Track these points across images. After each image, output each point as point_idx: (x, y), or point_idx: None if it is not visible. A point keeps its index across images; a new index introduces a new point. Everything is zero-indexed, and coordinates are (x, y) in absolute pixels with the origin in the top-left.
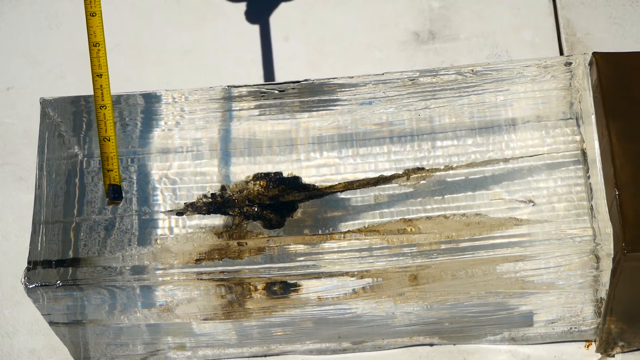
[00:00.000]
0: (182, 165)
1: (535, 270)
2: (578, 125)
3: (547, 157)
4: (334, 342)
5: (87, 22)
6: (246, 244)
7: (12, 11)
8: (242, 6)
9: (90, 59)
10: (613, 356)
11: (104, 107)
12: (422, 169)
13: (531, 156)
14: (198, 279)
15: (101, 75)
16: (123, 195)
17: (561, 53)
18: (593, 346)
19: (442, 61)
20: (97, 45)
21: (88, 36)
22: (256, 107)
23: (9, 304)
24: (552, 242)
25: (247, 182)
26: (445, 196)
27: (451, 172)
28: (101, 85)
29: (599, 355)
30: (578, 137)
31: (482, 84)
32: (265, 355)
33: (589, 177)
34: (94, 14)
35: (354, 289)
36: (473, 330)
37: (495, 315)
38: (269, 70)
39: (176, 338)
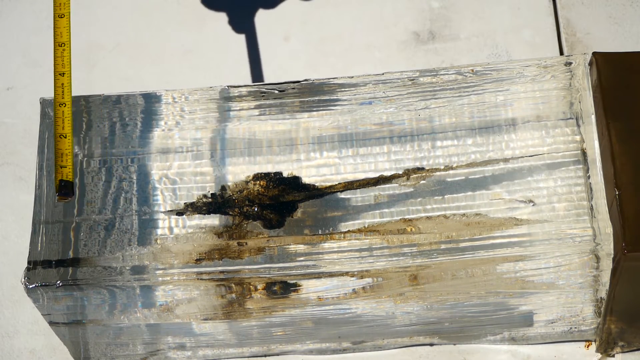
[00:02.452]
0: (182, 165)
1: (535, 270)
2: (578, 125)
3: (547, 157)
4: (334, 342)
5: (54, 23)
6: (246, 244)
7: (12, 11)
8: (242, 6)
9: (54, 58)
10: (613, 356)
11: (64, 105)
12: (422, 169)
13: (531, 156)
14: (198, 279)
15: (64, 74)
16: (74, 191)
17: (561, 53)
18: (593, 346)
19: (442, 61)
20: (63, 45)
21: (54, 36)
22: (256, 107)
23: (9, 304)
24: (552, 242)
25: (247, 182)
26: (445, 196)
27: (451, 172)
28: (62, 84)
29: (599, 355)
30: (578, 137)
31: (482, 84)
32: (265, 355)
33: (589, 177)
34: (63, 16)
35: (354, 289)
36: (473, 330)
37: (495, 315)
38: (269, 70)
39: (176, 338)
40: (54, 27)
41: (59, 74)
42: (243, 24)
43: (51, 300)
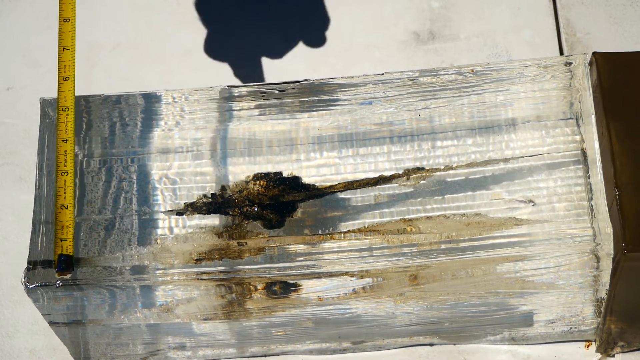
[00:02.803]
0: (182, 165)
1: (535, 270)
2: (578, 125)
3: (547, 157)
4: (334, 342)
5: (59, 87)
6: (246, 244)
7: (12, 11)
8: (243, 6)
9: (57, 124)
10: (613, 356)
11: (66, 174)
12: (422, 169)
13: (531, 156)
14: (198, 279)
15: (67, 140)
16: (74, 266)
17: (561, 53)
18: (593, 346)
19: (442, 61)
20: (67, 109)
21: (58, 100)
22: (256, 107)
23: (9, 304)
24: (552, 242)
25: (247, 182)
26: (445, 196)
27: (451, 172)
28: (65, 151)
29: (599, 355)
30: (578, 137)
31: (482, 84)
32: (265, 355)
33: (589, 177)
34: (67, 79)
35: (354, 289)
36: (473, 330)
37: (495, 315)
38: (269, 70)
39: (176, 338)
40: (58, 91)
41: (62, 141)
42: (243, 23)
43: (51, 300)
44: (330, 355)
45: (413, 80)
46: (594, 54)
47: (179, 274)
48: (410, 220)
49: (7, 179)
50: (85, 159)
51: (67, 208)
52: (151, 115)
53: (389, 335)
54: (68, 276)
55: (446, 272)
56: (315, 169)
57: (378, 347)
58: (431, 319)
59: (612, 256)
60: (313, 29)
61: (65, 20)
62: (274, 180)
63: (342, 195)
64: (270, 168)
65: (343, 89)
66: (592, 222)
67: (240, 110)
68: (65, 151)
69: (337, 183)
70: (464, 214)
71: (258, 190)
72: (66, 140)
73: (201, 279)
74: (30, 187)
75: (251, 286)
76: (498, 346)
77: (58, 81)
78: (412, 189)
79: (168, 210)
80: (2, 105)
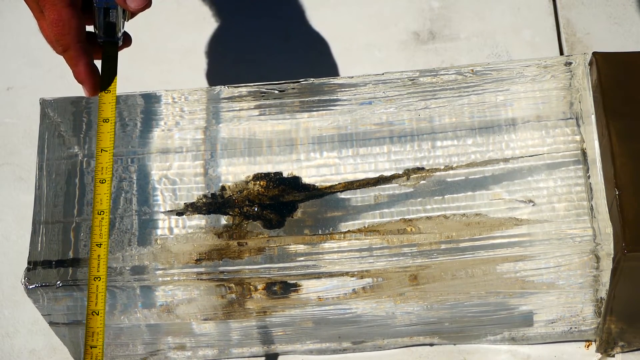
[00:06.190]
0: (182, 166)
1: (535, 270)
2: (578, 125)
3: (547, 157)
4: (334, 342)
5: (94, 189)
6: (246, 244)
7: (12, 11)
8: (242, 6)
9: (92, 227)
10: (613, 356)
11: (98, 279)
12: (422, 169)
13: (531, 156)
14: (198, 279)
15: (100, 245)
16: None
17: (561, 53)
18: (593, 346)
19: (442, 61)
20: (102, 213)
21: (94, 203)
22: (256, 107)
23: (9, 304)
24: (552, 242)
25: (247, 182)
26: (445, 196)
27: (451, 172)
28: (99, 255)
29: (599, 355)
30: (578, 137)
31: (482, 84)
32: (265, 355)
33: (589, 177)
34: (104, 181)
35: (354, 289)
36: (473, 330)
37: (495, 315)
38: (269, 70)
39: (176, 338)
40: (94, 194)
41: (96, 245)
42: (243, 24)
43: (51, 301)
44: (330, 355)
45: (413, 80)
46: (594, 54)
47: (179, 274)
48: (410, 220)
49: (7, 179)
50: (85, 159)
51: (98, 314)
52: (151, 116)
53: (389, 335)
54: None
55: (446, 272)
56: (315, 169)
57: (378, 347)
58: (431, 319)
59: (612, 256)
60: (313, 29)
61: (105, 120)
62: (274, 180)
63: (342, 195)
64: (270, 168)
65: (343, 89)
66: (592, 222)
67: (240, 110)
68: (99, 256)
69: (337, 183)
70: (464, 214)
71: (258, 190)
72: (100, 244)
73: (201, 279)
74: (30, 187)
75: (251, 286)
76: (498, 346)
77: (94, 184)
78: (412, 189)
79: (168, 211)
80: (2, 105)
